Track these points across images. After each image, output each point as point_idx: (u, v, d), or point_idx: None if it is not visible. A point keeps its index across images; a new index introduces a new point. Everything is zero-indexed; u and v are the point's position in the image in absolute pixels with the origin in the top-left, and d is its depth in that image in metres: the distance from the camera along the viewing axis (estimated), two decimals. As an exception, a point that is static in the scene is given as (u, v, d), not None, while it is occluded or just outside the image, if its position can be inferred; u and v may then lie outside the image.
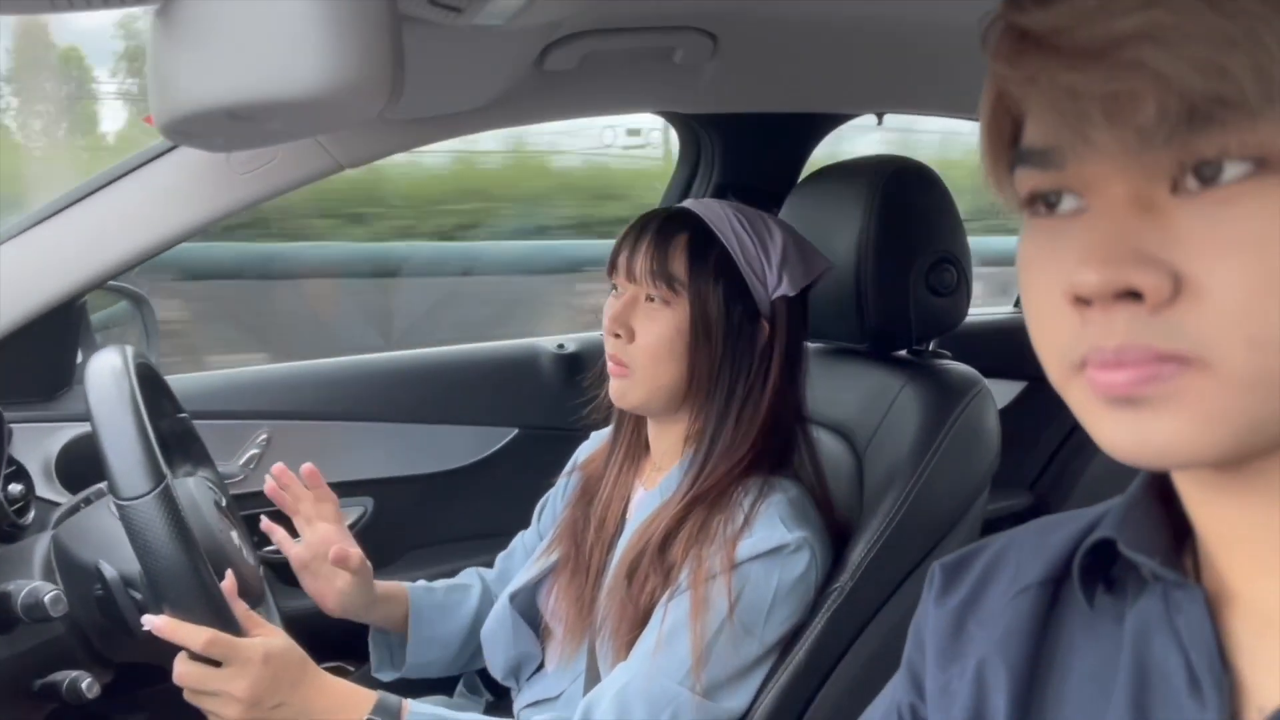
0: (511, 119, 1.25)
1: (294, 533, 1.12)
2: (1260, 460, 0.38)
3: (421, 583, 1.20)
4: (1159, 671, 0.42)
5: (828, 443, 1.12)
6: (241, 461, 1.40)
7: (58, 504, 1.14)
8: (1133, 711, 0.42)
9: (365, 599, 1.10)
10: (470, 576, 1.24)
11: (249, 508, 1.38)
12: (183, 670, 0.84)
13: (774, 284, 1.00)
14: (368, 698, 0.92)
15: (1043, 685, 0.47)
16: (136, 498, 0.79)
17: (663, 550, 0.98)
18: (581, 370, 1.60)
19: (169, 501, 0.79)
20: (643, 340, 1.00)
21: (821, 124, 1.58)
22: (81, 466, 1.22)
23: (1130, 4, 0.35)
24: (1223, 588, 0.42)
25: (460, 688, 1.24)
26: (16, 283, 1.12)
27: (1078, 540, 0.48)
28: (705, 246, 1.00)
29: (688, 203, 1.05)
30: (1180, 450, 0.37)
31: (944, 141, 2.86)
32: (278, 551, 1.42)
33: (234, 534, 0.99)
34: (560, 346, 1.63)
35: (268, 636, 0.88)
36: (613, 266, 1.04)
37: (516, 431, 1.58)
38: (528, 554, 1.21)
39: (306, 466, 1.08)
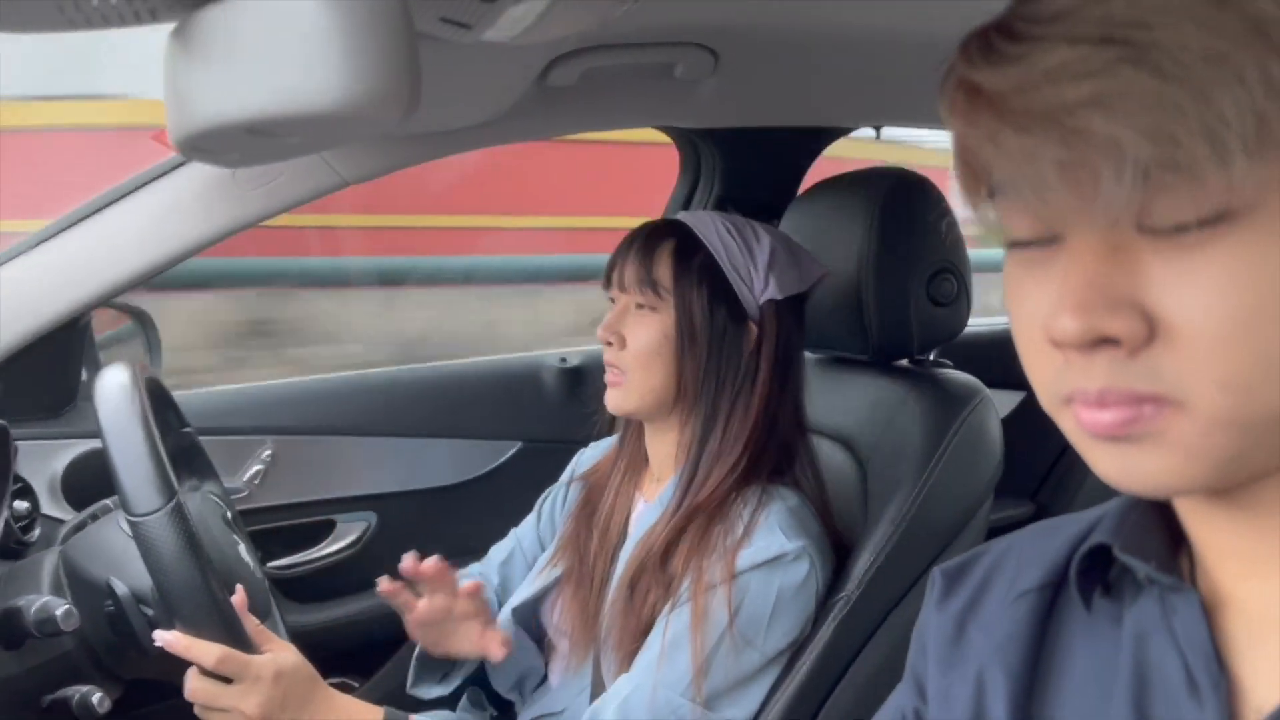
0: (514, 134, 1.26)
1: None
2: (1251, 483, 0.39)
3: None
4: (1157, 674, 0.42)
5: (831, 453, 1.13)
6: (246, 477, 1.40)
7: (63, 521, 1.14)
8: (1132, 714, 0.43)
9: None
10: (480, 577, 1.23)
11: (254, 523, 1.38)
12: (194, 686, 0.84)
13: (761, 287, 1.02)
14: (375, 713, 0.92)
15: (1042, 689, 0.48)
16: (149, 514, 0.79)
17: (664, 562, 0.98)
18: (584, 384, 1.60)
19: (181, 517, 0.80)
20: (632, 345, 1.02)
21: (821, 137, 1.59)
22: (87, 483, 1.22)
23: (1077, 72, 0.35)
24: (1218, 591, 0.43)
25: (464, 701, 1.23)
26: (21, 301, 1.12)
27: (1075, 544, 0.48)
28: (690, 252, 1.02)
29: (679, 215, 1.07)
30: (1166, 482, 0.38)
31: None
32: (281, 568, 1.43)
33: (241, 549, 0.99)
34: (563, 360, 1.64)
35: (278, 652, 0.88)
36: (608, 279, 1.07)
37: (520, 445, 1.58)
38: (526, 559, 1.22)
39: (430, 562, 1.01)
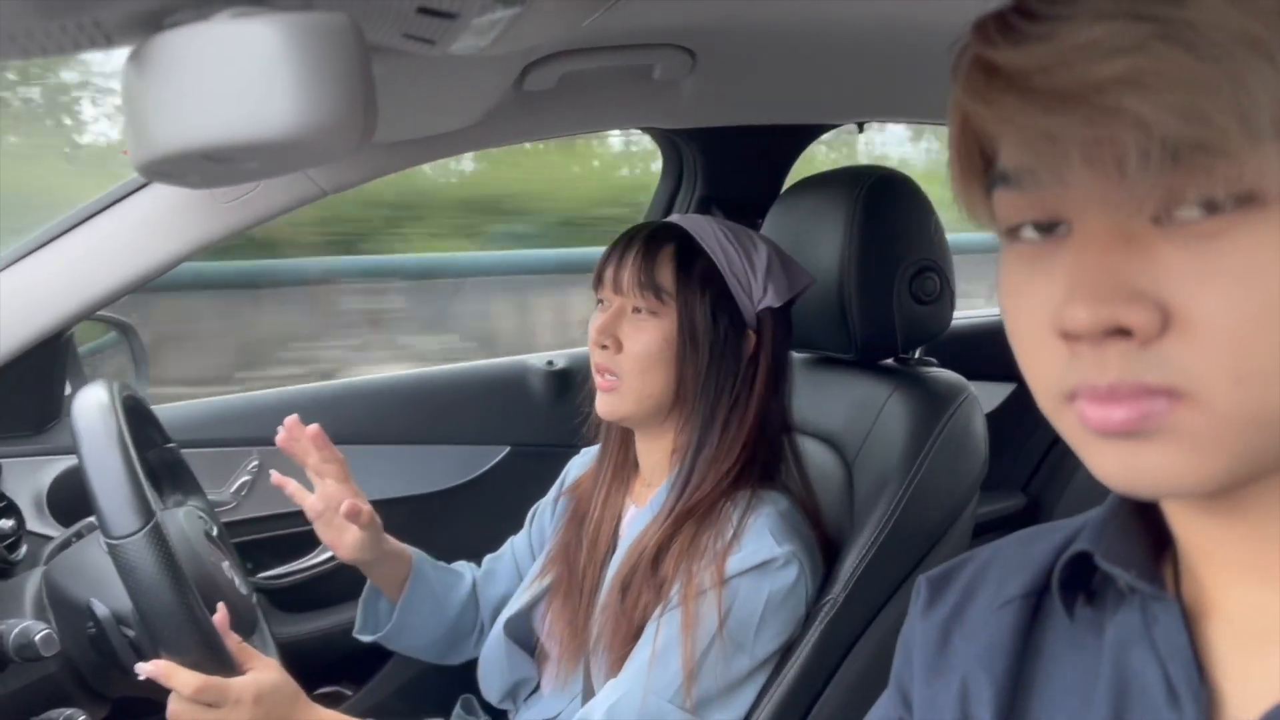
0: (493, 139, 1.25)
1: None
2: (1249, 485, 0.38)
3: (420, 553, 1.20)
4: (1138, 683, 0.42)
5: (817, 453, 1.13)
6: (233, 489, 1.40)
7: (50, 538, 1.13)
8: None
9: (375, 551, 1.11)
10: (462, 567, 1.25)
11: (242, 534, 1.38)
12: (175, 709, 0.84)
13: (759, 295, 1.01)
14: None
15: (1026, 697, 0.47)
16: (126, 536, 0.79)
17: (654, 566, 0.98)
18: (571, 386, 1.60)
19: (159, 540, 0.79)
20: (631, 350, 1.01)
21: (802, 135, 1.59)
22: (73, 499, 1.21)
23: (1110, 49, 0.34)
24: (1202, 598, 0.43)
25: (458, 710, 1.24)
26: (3, 317, 1.12)
27: (1058, 552, 0.48)
28: (691, 258, 1.01)
29: (673, 217, 1.06)
30: (1171, 482, 0.37)
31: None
32: (272, 578, 1.43)
33: (225, 564, 0.99)
34: (550, 363, 1.63)
35: (260, 671, 0.88)
36: (599, 280, 1.04)
37: (508, 450, 1.57)
38: (517, 561, 1.22)
39: (312, 427, 1.09)
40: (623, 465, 1.11)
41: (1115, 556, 0.44)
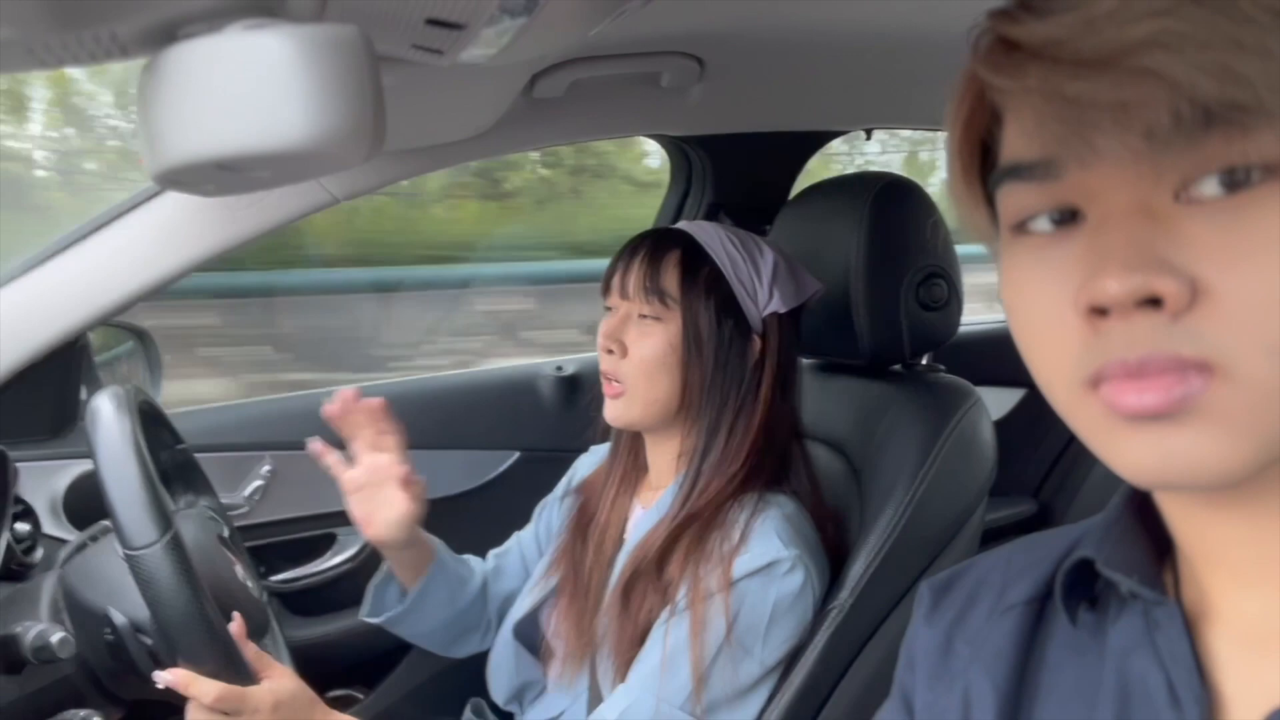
0: (503, 147, 1.26)
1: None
2: (1252, 481, 0.38)
3: (440, 542, 1.19)
4: (1140, 689, 0.42)
5: (825, 458, 1.13)
6: (246, 493, 1.41)
7: (65, 541, 1.15)
8: None
9: (408, 534, 1.08)
10: (473, 562, 1.25)
11: (255, 538, 1.39)
12: (194, 718, 0.85)
13: (765, 300, 1.02)
14: None
15: (1029, 704, 0.48)
16: (144, 548, 0.79)
17: (660, 568, 0.98)
18: (581, 391, 1.60)
19: (177, 549, 0.80)
20: (636, 355, 1.01)
21: (810, 141, 1.59)
22: (88, 503, 1.23)
23: (1141, 11, 0.34)
24: (1203, 602, 0.43)
25: (468, 713, 1.24)
26: (20, 323, 1.13)
27: (1061, 558, 0.48)
28: (697, 263, 1.01)
29: (680, 224, 1.07)
30: (1208, 467, 0.35)
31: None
32: (284, 581, 1.44)
33: (238, 568, 0.99)
34: (559, 369, 1.64)
35: (277, 680, 0.89)
36: (606, 286, 1.06)
37: (518, 455, 1.58)
38: (524, 557, 1.23)
39: (376, 400, 1.06)
40: (632, 467, 1.12)
41: (1117, 563, 0.44)
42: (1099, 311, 0.36)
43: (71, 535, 1.17)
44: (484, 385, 1.65)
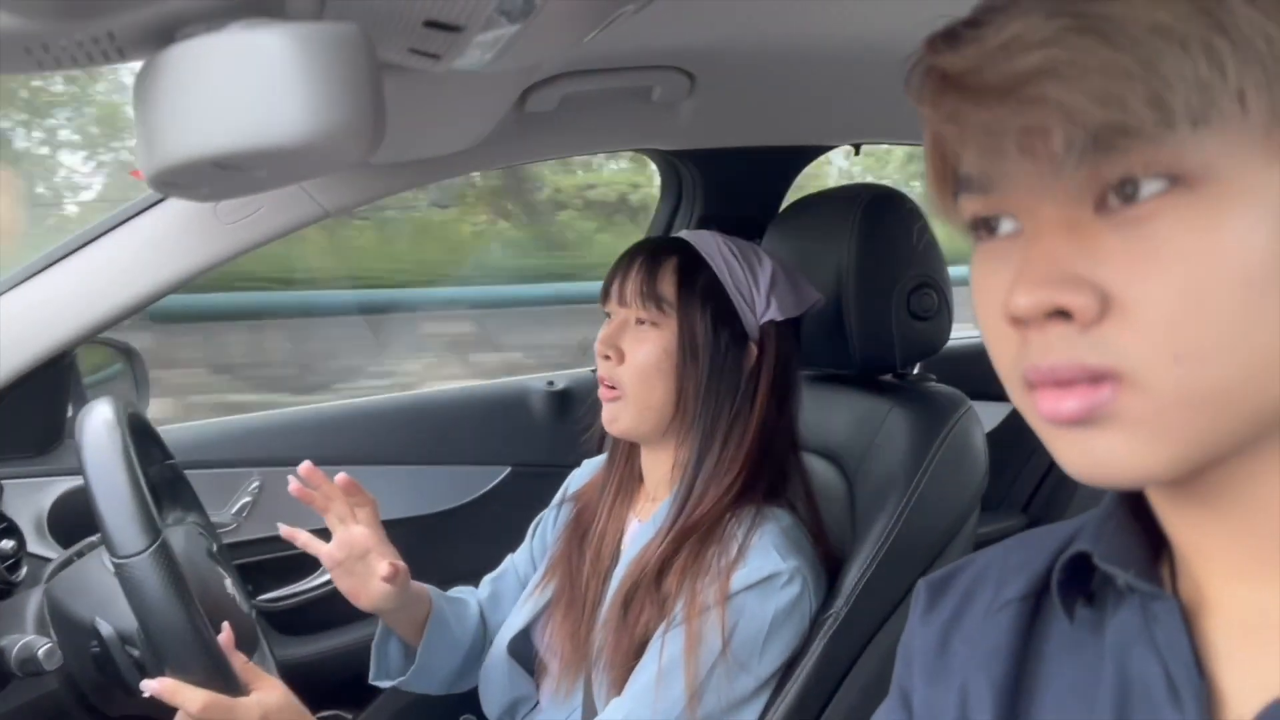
0: (494, 161, 1.27)
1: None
2: (1220, 471, 0.39)
3: (434, 589, 1.16)
4: (1139, 683, 0.42)
5: (818, 468, 1.13)
6: (234, 510, 1.40)
7: (50, 559, 1.13)
8: None
9: (399, 601, 1.05)
10: (465, 593, 1.23)
11: (243, 556, 1.37)
12: None
13: (762, 309, 1.02)
14: None
15: (1027, 700, 0.47)
16: (133, 555, 0.78)
17: (658, 581, 0.98)
18: (572, 406, 1.60)
19: (166, 558, 0.79)
20: (632, 361, 1.02)
21: (801, 155, 1.60)
22: (73, 521, 1.21)
23: (1030, 43, 0.36)
24: (1198, 596, 0.43)
25: (459, 729, 1.23)
26: (7, 339, 1.12)
27: (1056, 555, 0.48)
28: (694, 270, 1.02)
29: (681, 233, 1.07)
30: (1129, 468, 0.37)
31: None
32: (271, 600, 1.42)
33: (227, 582, 0.98)
34: (550, 384, 1.64)
35: (266, 691, 0.88)
36: (606, 294, 1.06)
37: (509, 470, 1.57)
38: (519, 577, 1.21)
39: (341, 476, 1.03)
40: (628, 478, 1.12)
41: (1113, 556, 0.44)
42: (1019, 321, 0.38)
43: (56, 553, 1.16)
44: (475, 400, 1.65)
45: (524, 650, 1.11)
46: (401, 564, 1.03)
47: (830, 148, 1.59)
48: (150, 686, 0.82)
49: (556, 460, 1.42)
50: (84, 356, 1.33)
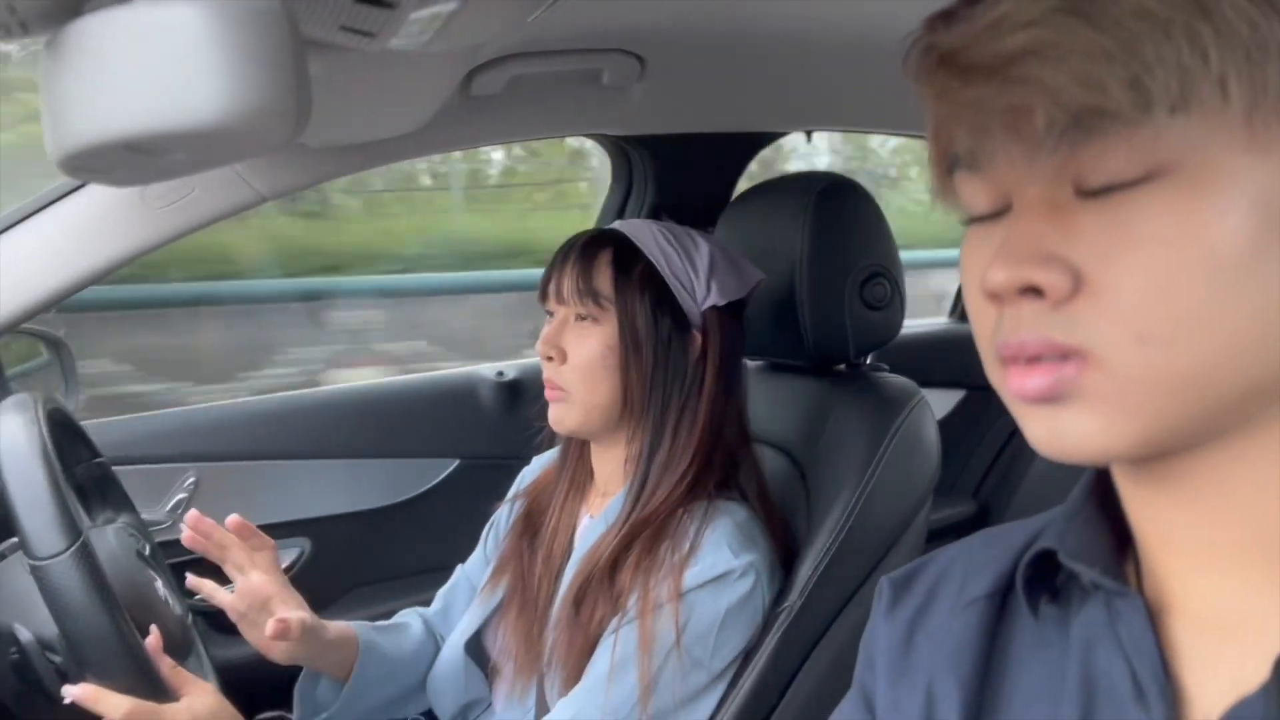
0: (438, 145, 1.23)
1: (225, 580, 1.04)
2: (1186, 456, 0.39)
3: (364, 624, 1.14)
4: (1105, 681, 0.42)
5: (771, 460, 1.12)
6: (168, 507, 1.35)
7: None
8: None
9: (313, 649, 1.00)
10: (408, 616, 1.19)
11: (179, 555, 1.32)
12: None
13: (703, 294, 1.01)
14: None
15: (993, 698, 0.47)
16: (51, 557, 0.75)
17: (610, 578, 0.96)
18: (522, 397, 1.58)
19: (87, 559, 0.75)
20: (574, 359, 1.00)
21: (752, 142, 1.59)
22: None
23: (1016, 23, 0.37)
24: (1163, 592, 0.42)
25: (408, 731, 1.20)
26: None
27: (1021, 551, 0.48)
28: (630, 261, 1.00)
29: (614, 224, 1.05)
30: (1093, 444, 0.38)
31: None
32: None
33: (158, 584, 0.94)
34: (500, 374, 1.61)
35: (196, 696, 0.84)
36: (544, 293, 1.04)
37: (458, 463, 1.55)
38: (472, 585, 1.18)
39: (232, 518, 0.97)
40: (579, 474, 1.10)
41: (1078, 553, 0.44)
42: (995, 297, 0.39)
43: (-22, 555, 1.11)
44: (422, 391, 1.61)
45: (477, 653, 1.08)
46: (295, 616, 0.95)
47: (783, 134, 1.58)
48: (71, 693, 0.78)
49: (506, 452, 1.39)
50: (7, 348, 1.28)
